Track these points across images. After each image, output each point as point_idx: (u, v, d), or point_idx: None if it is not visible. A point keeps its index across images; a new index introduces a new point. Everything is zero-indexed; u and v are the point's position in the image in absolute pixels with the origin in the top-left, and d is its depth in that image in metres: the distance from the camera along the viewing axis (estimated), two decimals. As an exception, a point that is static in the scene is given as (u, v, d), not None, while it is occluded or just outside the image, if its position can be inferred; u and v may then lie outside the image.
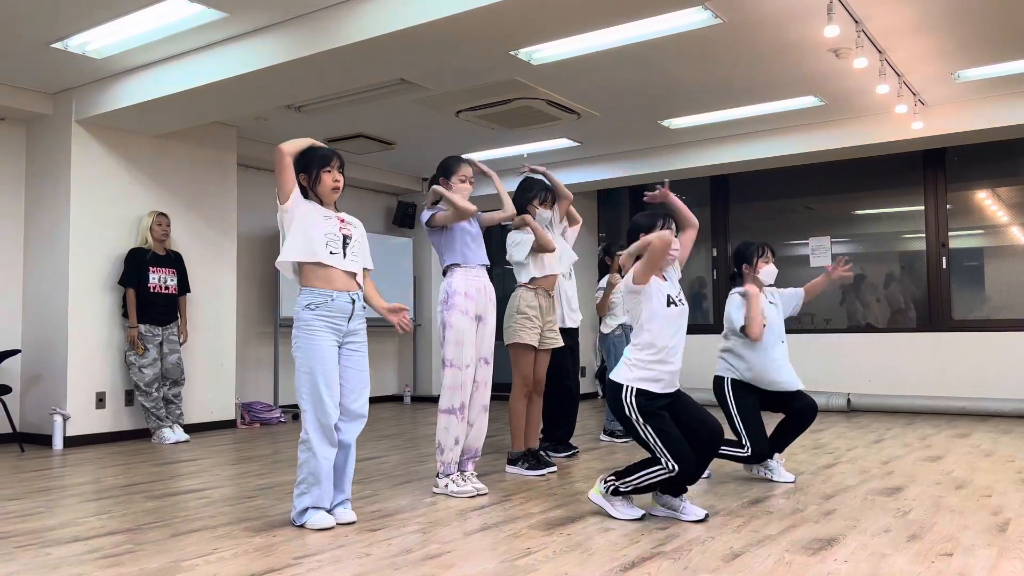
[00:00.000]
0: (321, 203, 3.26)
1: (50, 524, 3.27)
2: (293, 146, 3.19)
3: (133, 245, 5.95)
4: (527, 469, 4.29)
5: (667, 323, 3.19)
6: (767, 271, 4.09)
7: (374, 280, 3.47)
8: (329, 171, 3.25)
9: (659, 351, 3.17)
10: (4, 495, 3.90)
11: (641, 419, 3.11)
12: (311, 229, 3.16)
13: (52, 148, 5.88)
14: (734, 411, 3.96)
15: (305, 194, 3.24)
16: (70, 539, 3.02)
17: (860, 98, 6.30)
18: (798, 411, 3.98)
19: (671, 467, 3.06)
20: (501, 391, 5.32)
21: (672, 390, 3.22)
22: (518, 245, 4.40)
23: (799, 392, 4.01)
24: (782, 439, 4.03)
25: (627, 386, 3.15)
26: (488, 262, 3.98)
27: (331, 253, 3.17)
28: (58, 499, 3.79)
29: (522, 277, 4.40)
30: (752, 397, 3.98)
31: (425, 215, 3.89)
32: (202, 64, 5.02)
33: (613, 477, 3.21)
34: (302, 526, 3.11)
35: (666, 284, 3.27)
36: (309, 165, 3.25)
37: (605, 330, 5.72)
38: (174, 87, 5.15)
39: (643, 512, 3.21)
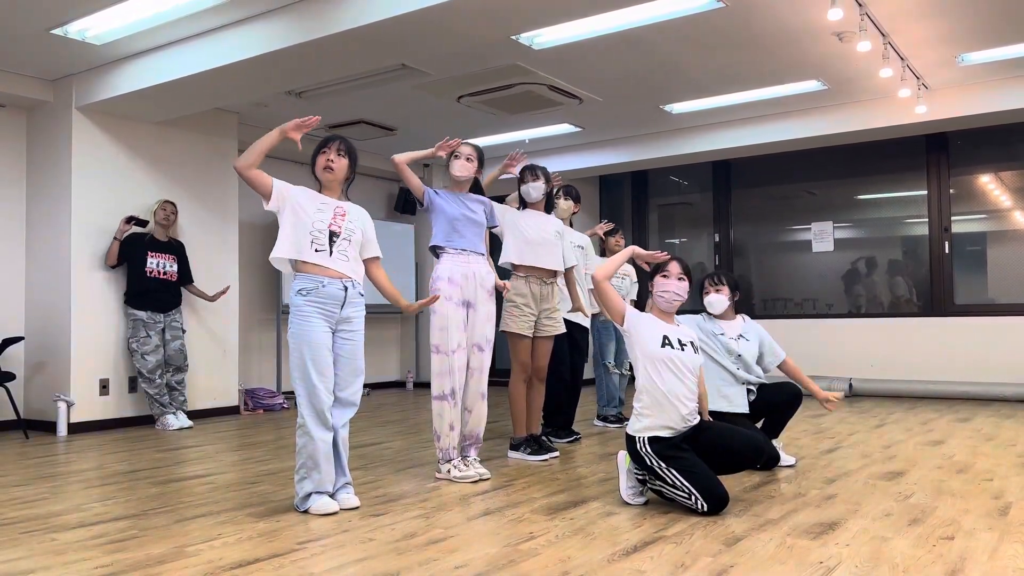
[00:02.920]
0: (320, 187, 3.29)
1: (55, 510, 3.29)
2: (247, 159, 3.12)
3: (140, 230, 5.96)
4: (529, 454, 4.30)
5: (661, 366, 3.12)
6: (707, 300, 3.98)
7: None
8: (324, 152, 3.26)
9: (657, 397, 3.11)
10: (9, 481, 3.92)
11: (663, 464, 3.05)
12: (298, 223, 3.16)
13: (53, 135, 5.87)
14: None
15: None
16: (75, 525, 3.04)
17: (863, 82, 6.27)
18: (781, 402, 3.98)
19: (702, 507, 2.98)
20: (503, 377, 5.32)
21: (688, 427, 3.16)
22: (501, 218, 4.30)
23: (780, 384, 4.01)
24: (774, 425, 4.04)
25: (638, 437, 3.12)
26: (480, 248, 3.90)
27: (316, 251, 3.15)
28: (63, 485, 3.81)
29: (503, 256, 4.35)
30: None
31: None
32: (202, 50, 5.00)
33: (647, 472, 3.14)
34: (306, 511, 3.13)
35: (663, 325, 3.21)
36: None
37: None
38: (174, 73, 5.13)
39: (647, 500, 3.22)
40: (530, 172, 4.44)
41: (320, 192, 3.30)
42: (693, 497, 3.00)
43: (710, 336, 3.97)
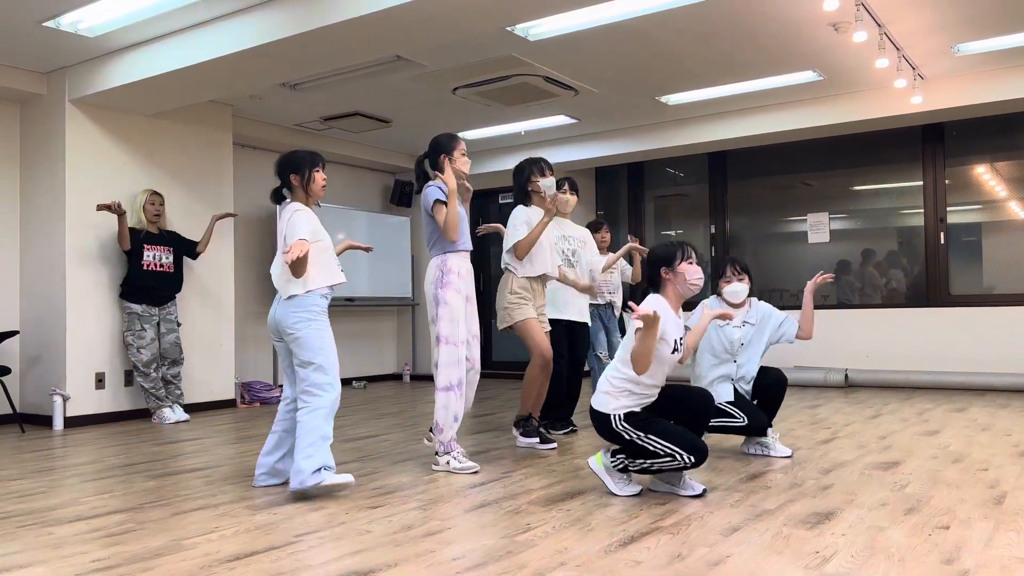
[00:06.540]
0: (307, 201, 3.49)
1: (52, 504, 3.29)
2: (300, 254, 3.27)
3: (128, 225, 5.93)
4: (521, 434, 4.39)
5: (663, 365, 3.15)
6: (732, 290, 3.96)
7: (372, 258, 3.68)
8: (319, 170, 3.50)
9: (644, 386, 3.15)
10: (5, 475, 3.92)
11: (641, 433, 3.09)
12: (331, 252, 3.47)
13: (46, 128, 5.85)
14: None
15: (281, 196, 3.52)
16: (72, 518, 3.04)
17: (859, 73, 6.26)
18: (765, 386, 4.00)
19: (688, 460, 3.02)
20: (502, 370, 5.32)
21: (652, 400, 3.23)
22: (516, 227, 4.34)
23: (763, 368, 4.03)
24: (765, 412, 4.04)
25: (613, 415, 3.14)
26: (472, 247, 4.02)
27: (340, 271, 3.51)
28: (59, 479, 3.81)
29: (513, 268, 4.36)
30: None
31: (431, 195, 3.83)
32: (195, 42, 4.98)
33: (624, 455, 3.17)
34: (317, 484, 3.20)
35: (676, 329, 3.18)
36: (300, 165, 3.47)
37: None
38: (167, 66, 5.11)
39: (640, 488, 3.23)
40: (548, 167, 4.47)
41: (308, 207, 3.49)
42: (678, 456, 3.03)
43: (714, 328, 3.97)
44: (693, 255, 3.22)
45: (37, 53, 5.43)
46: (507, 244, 4.39)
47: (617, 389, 3.16)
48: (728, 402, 3.95)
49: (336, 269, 3.48)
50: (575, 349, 4.96)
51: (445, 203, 3.78)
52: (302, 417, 3.29)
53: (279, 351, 3.52)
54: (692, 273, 3.17)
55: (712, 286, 4.06)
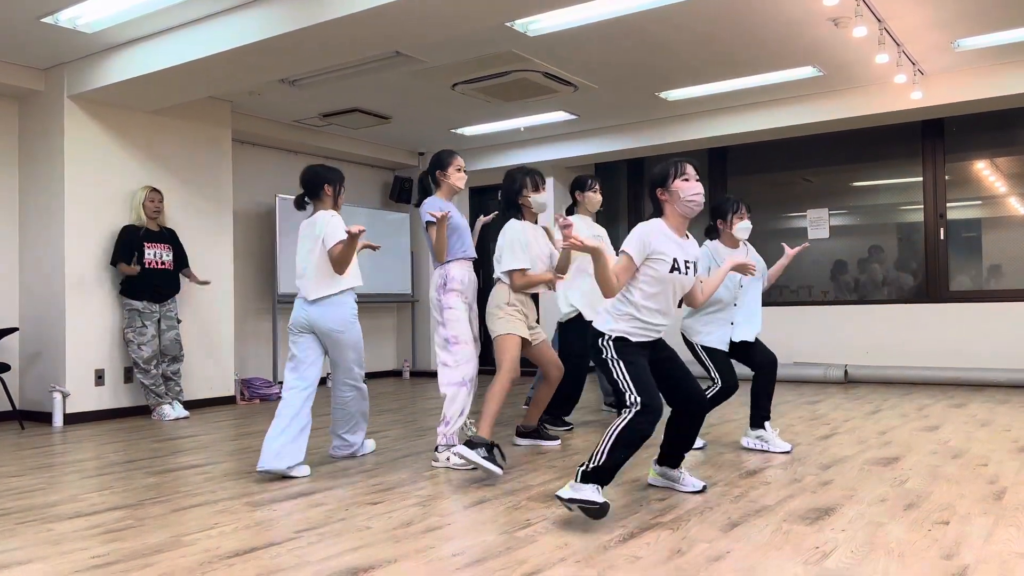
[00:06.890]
0: (335, 210, 3.90)
1: (51, 500, 3.29)
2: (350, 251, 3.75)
3: (128, 221, 5.93)
4: (483, 457, 3.87)
5: (659, 286, 2.96)
6: (744, 226, 4.00)
7: (372, 254, 3.88)
8: (344, 186, 3.96)
9: (647, 312, 2.97)
10: (5, 472, 3.92)
11: (615, 356, 2.92)
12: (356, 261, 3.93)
13: (45, 124, 5.84)
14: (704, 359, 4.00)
15: (304, 203, 3.92)
16: (72, 515, 3.04)
17: (859, 68, 6.25)
18: (759, 364, 4.02)
19: (635, 400, 2.81)
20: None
21: (651, 339, 3.05)
22: (514, 249, 4.10)
23: (758, 348, 4.05)
24: (760, 406, 4.04)
25: (607, 333, 2.98)
26: (476, 255, 4.10)
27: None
28: (59, 476, 3.81)
29: (508, 282, 4.16)
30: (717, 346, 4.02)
31: (425, 213, 3.93)
32: (194, 38, 4.97)
33: (586, 461, 2.88)
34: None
35: (676, 244, 3.02)
36: (335, 180, 3.89)
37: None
38: (166, 62, 5.10)
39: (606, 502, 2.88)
40: (542, 181, 4.27)
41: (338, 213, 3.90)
42: (629, 396, 2.84)
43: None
44: (688, 170, 3.02)
45: (35, 49, 5.42)
46: (506, 264, 4.09)
47: (619, 312, 3.01)
48: (706, 347, 3.95)
49: (359, 273, 3.92)
50: None
51: (434, 223, 3.88)
52: (354, 401, 3.95)
53: (302, 343, 3.77)
54: (687, 190, 2.98)
55: (707, 231, 4.13)
